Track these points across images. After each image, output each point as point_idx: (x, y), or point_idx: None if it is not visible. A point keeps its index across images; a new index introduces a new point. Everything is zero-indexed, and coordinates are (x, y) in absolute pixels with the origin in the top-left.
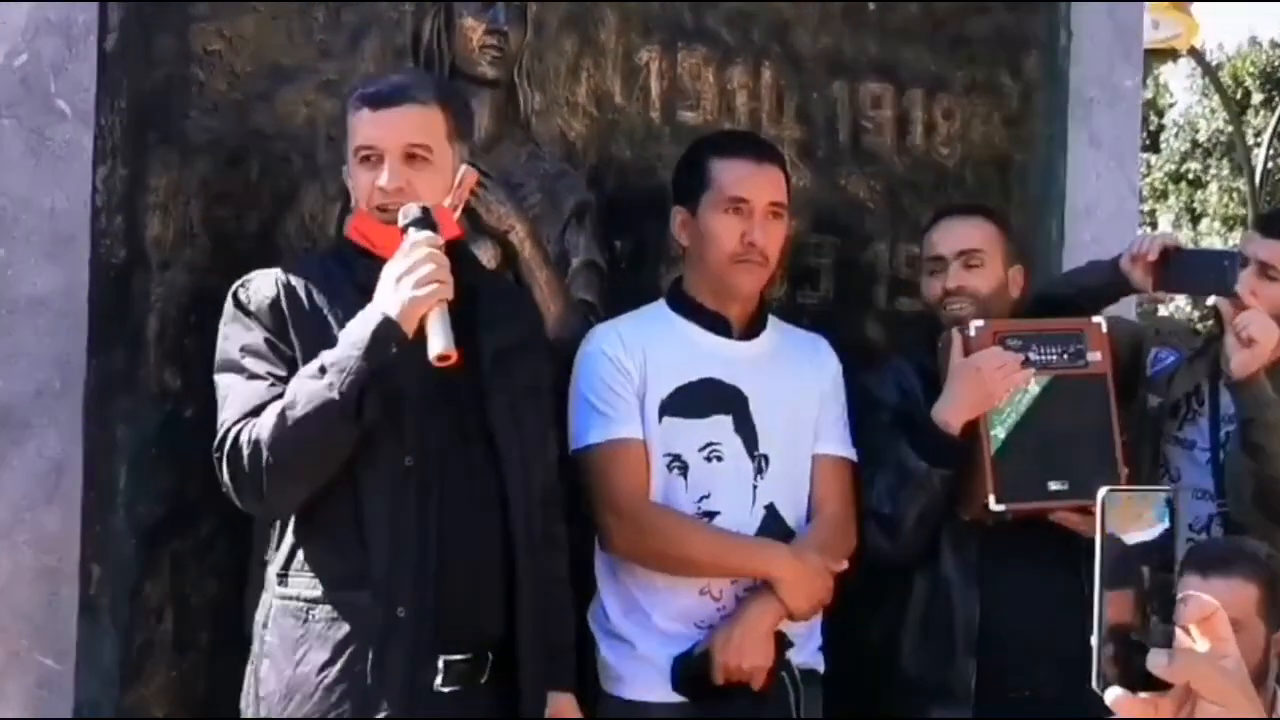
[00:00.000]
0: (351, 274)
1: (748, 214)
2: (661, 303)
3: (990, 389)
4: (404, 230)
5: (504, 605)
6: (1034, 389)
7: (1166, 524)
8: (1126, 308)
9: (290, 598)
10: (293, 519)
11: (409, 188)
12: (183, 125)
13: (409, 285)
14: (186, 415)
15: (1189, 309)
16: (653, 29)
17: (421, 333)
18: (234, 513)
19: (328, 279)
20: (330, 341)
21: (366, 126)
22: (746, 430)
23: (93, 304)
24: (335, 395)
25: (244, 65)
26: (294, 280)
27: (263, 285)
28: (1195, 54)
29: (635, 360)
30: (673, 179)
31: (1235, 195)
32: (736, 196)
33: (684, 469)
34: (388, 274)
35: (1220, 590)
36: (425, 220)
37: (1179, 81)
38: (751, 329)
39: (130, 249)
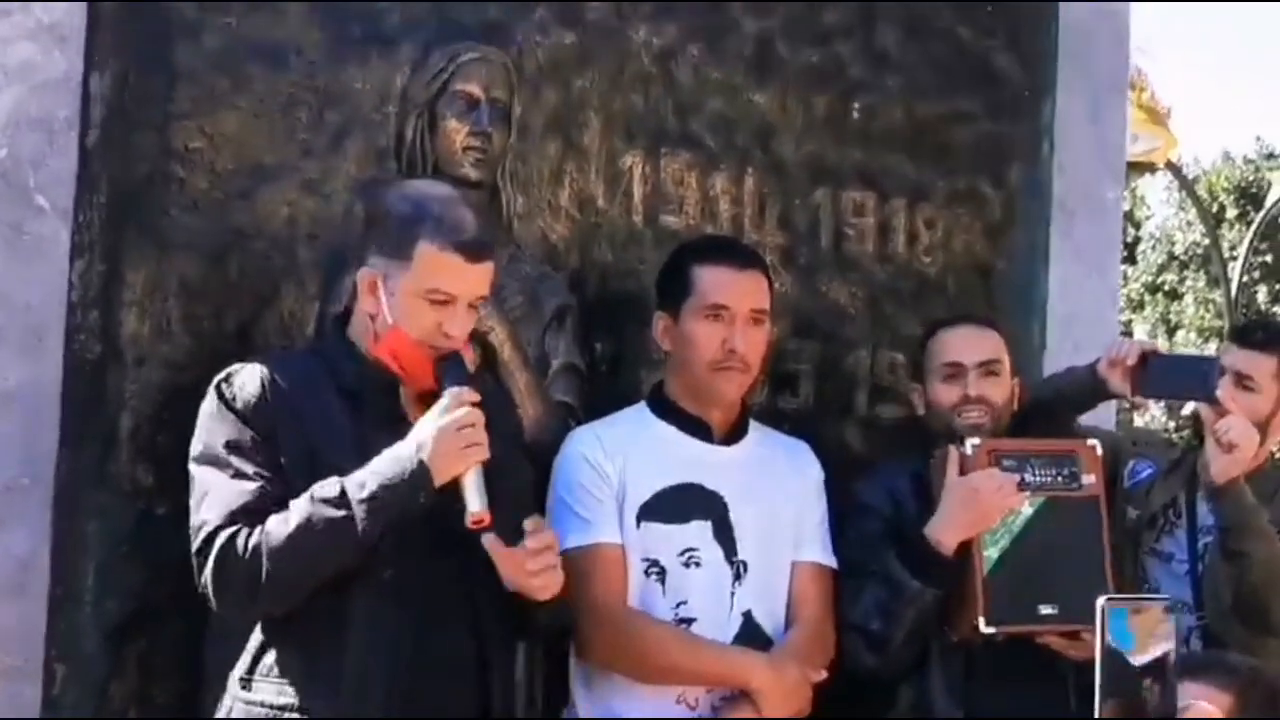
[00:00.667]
0: (336, 377)
1: (729, 320)
2: (642, 406)
3: (986, 510)
4: (443, 380)
5: (477, 709)
6: (1027, 510)
7: (1171, 643)
8: (1106, 417)
9: (255, 703)
10: (264, 624)
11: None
12: (162, 222)
13: (455, 442)
14: (159, 513)
15: (1164, 419)
16: (636, 133)
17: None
18: (204, 613)
19: (308, 379)
20: (310, 446)
21: (453, 275)
22: (725, 536)
23: (65, 398)
24: (358, 531)
25: (225, 163)
26: (281, 376)
27: (248, 382)
28: (1173, 168)
29: (615, 464)
30: (656, 284)
31: (1211, 307)
32: (717, 303)
33: (662, 575)
34: (430, 421)
35: (1195, 694)
36: (459, 365)
37: (1156, 194)
38: (733, 434)
39: (105, 344)
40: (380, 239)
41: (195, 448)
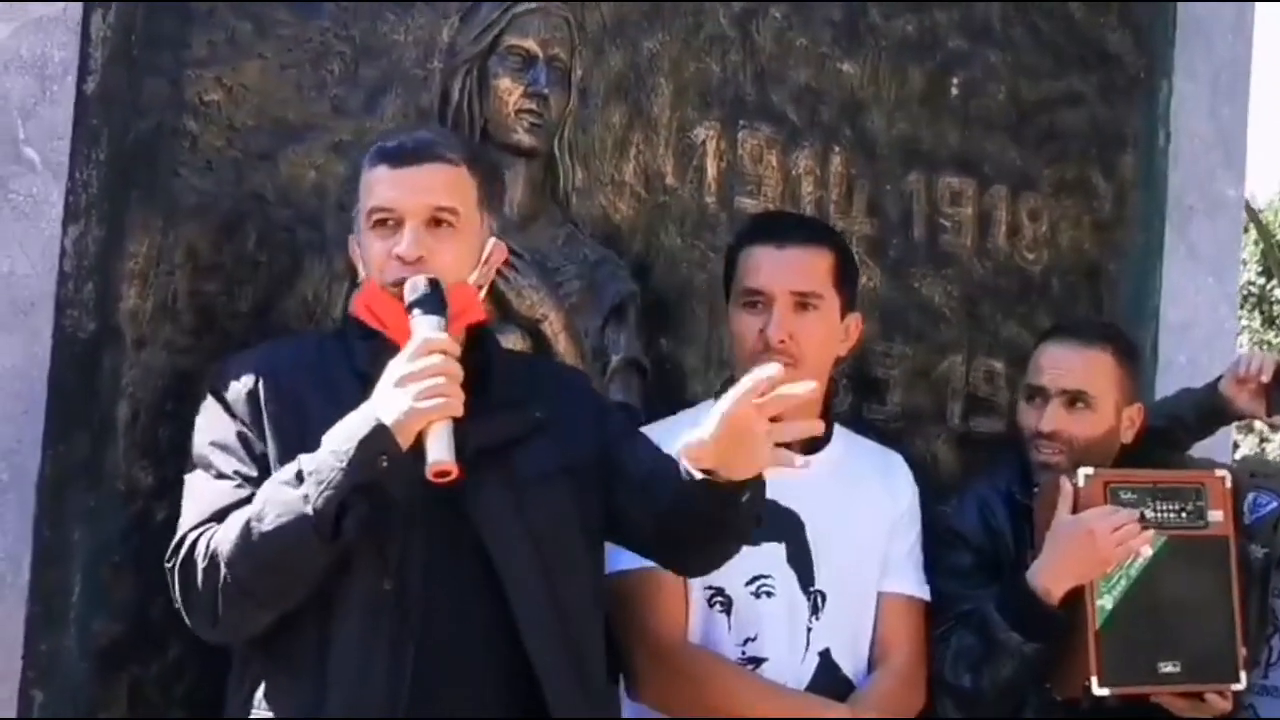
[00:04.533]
0: (350, 359)
1: (766, 306)
2: (708, 406)
3: (1104, 555)
4: (408, 309)
5: None
6: (1147, 552)
7: None
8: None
9: None
10: (252, 644)
11: (431, 257)
12: (170, 184)
13: (412, 394)
14: (158, 518)
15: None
16: (711, 103)
17: (418, 444)
18: None
19: (322, 362)
20: (313, 440)
21: (385, 186)
22: (802, 561)
23: (53, 383)
24: (309, 510)
25: (244, 119)
26: (281, 363)
27: (242, 368)
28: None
29: None
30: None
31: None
32: (751, 288)
33: (727, 606)
34: (391, 373)
35: None
36: (434, 298)
37: None
38: (814, 441)
39: (101, 322)
40: (352, 200)
41: (192, 450)
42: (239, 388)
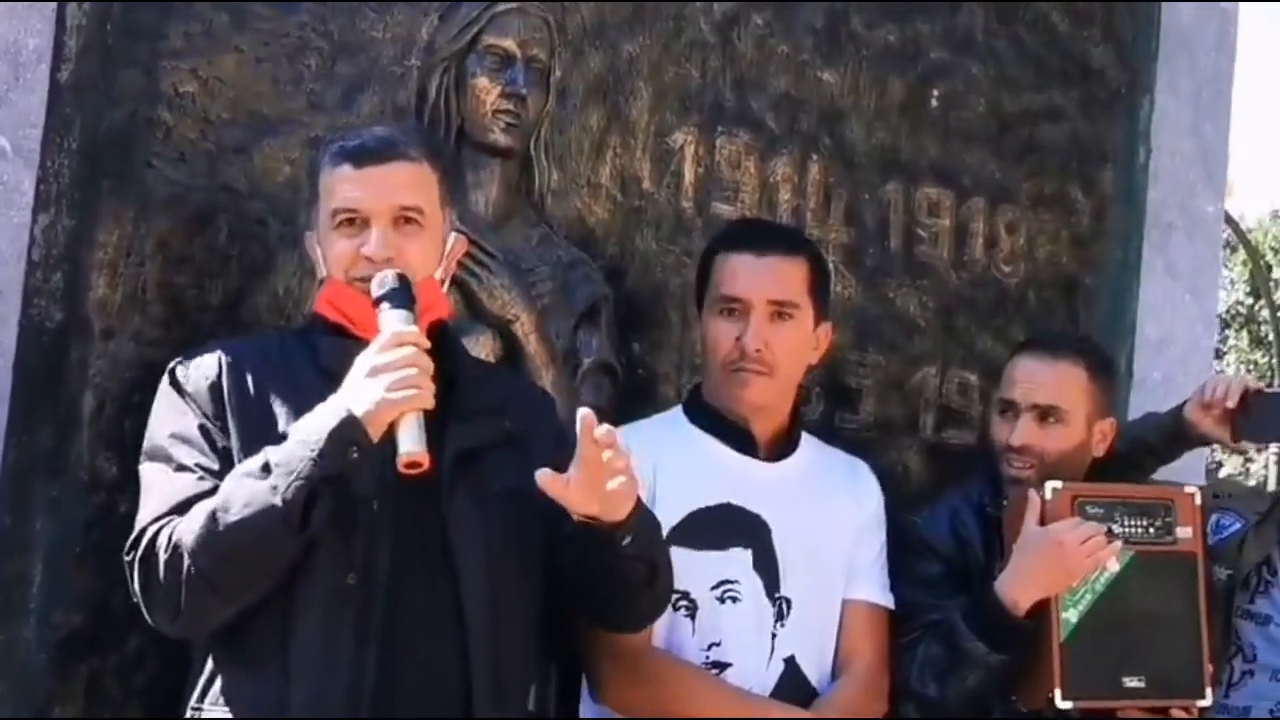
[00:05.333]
0: (315, 355)
1: (742, 314)
2: (677, 412)
3: (1070, 566)
4: (376, 303)
5: None
6: (1113, 566)
7: None
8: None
9: None
10: (211, 639)
11: (399, 257)
12: (143, 175)
13: (384, 384)
14: (121, 510)
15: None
16: (690, 108)
17: (387, 436)
18: None
19: (285, 359)
20: (276, 435)
21: (348, 186)
22: (768, 567)
23: (19, 372)
24: (278, 501)
25: (219, 111)
26: (244, 357)
27: (204, 362)
28: (1229, 220)
29: (643, 477)
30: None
31: (1253, 367)
32: (729, 295)
33: (692, 610)
34: (362, 365)
35: None
36: (402, 292)
37: None
38: (781, 448)
39: (69, 312)
40: (311, 196)
41: (144, 444)
42: (200, 381)
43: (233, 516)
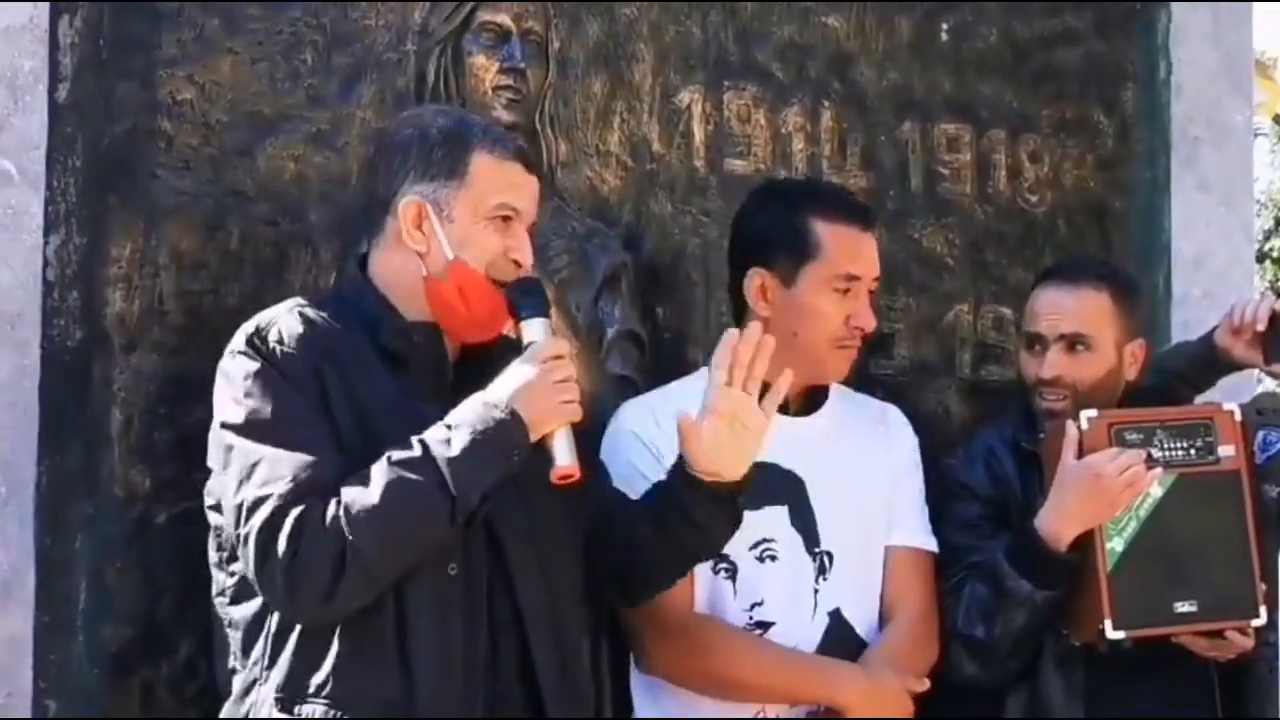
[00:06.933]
0: (375, 335)
1: (856, 293)
2: (704, 372)
3: (1111, 498)
4: (519, 311)
5: None
6: (1156, 491)
7: None
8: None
9: None
10: (295, 631)
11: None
12: (149, 186)
13: (552, 396)
14: (158, 521)
15: None
16: (694, 66)
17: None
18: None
19: (346, 334)
20: (361, 410)
21: (517, 186)
22: (805, 522)
23: (44, 394)
24: (452, 494)
25: (219, 116)
26: (321, 335)
27: (286, 331)
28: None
29: (671, 442)
30: (750, 233)
31: None
32: (851, 274)
33: (732, 572)
34: (526, 372)
35: None
36: (543, 300)
37: (1259, 156)
38: (810, 402)
39: (88, 329)
40: (420, 163)
41: (229, 413)
42: (290, 350)
43: (403, 509)
